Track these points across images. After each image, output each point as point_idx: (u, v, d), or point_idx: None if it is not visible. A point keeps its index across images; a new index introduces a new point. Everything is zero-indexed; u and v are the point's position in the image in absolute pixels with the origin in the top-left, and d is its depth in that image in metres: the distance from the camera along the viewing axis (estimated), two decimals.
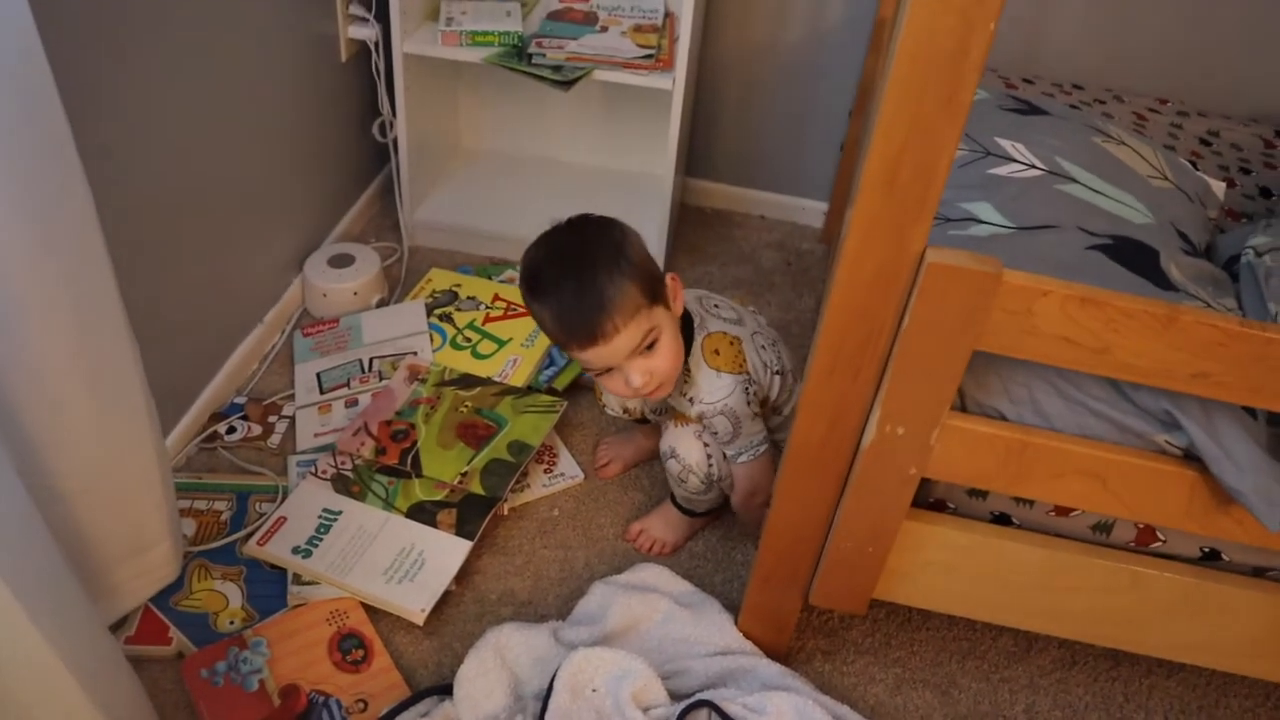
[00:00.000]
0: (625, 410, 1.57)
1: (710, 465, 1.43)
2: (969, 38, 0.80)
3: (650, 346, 1.30)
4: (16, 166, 0.92)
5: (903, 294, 0.96)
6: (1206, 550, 1.19)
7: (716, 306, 1.44)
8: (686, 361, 1.37)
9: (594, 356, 1.28)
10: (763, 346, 1.42)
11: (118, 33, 1.33)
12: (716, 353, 1.37)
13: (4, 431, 0.95)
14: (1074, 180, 1.38)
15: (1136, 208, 1.35)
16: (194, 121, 1.54)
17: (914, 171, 0.87)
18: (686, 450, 1.43)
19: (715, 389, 1.36)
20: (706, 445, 1.43)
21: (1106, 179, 1.39)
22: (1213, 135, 1.89)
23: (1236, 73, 2.04)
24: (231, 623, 1.39)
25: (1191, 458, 1.07)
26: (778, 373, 1.43)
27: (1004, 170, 1.40)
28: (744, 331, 1.41)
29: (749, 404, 1.37)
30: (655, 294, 1.29)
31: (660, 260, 2.07)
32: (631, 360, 1.29)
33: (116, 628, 1.35)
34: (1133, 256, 1.22)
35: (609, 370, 1.31)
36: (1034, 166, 1.40)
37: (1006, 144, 1.45)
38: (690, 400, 1.38)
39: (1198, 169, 1.65)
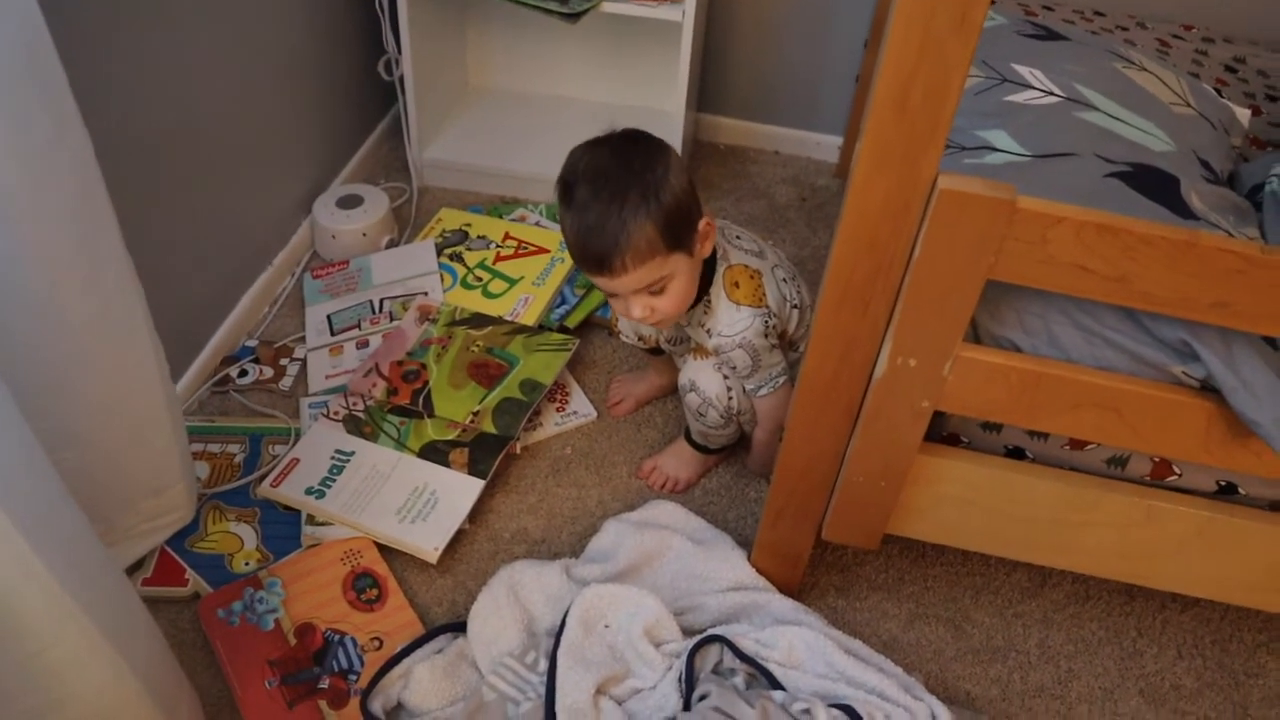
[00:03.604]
0: (640, 338, 1.55)
1: (730, 398, 1.42)
2: None
3: (659, 289, 1.28)
4: (10, 109, 0.91)
5: (914, 223, 0.94)
6: (1223, 484, 1.17)
7: (738, 238, 1.42)
8: (708, 292, 1.36)
9: (600, 283, 1.28)
10: (784, 280, 1.41)
11: None
12: (736, 285, 1.35)
13: (10, 376, 0.95)
14: (1093, 107, 1.34)
15: (1157, 135, 1.31)
16: (196, 63, 1.52)
17: (925, 95, 0.84)
18: (707, 383, 1.42)
19: (734, 321, 1.34)
20: (727, 378, 1.41)
21: (1127, 106, 1.36)
22: (1239, 62, 1.84)
23: None
24: (247, 564, 1.40)
25: (1209, 389, 1.05)
26: (796, 306, 1.42)
27: (1021, 97, 1.36)
28: (764, 265, 1.39)
29: (767, 337, 1.36)
30: (679, 239, 1.25)
31: None
32: (637, 294, 1.28)
33: (133, 570, 1.37)
34: (1153, 184, 1.19)
35: (614, 294, 1.31)
36: (1052, 93, 1.36)
37: (1024, 70, 1.41)
38: (708, 332, 1.37)
39: (1223, 96, 1.60)
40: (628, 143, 1.27)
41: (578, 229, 1.24)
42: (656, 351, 1.61)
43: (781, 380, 1.41)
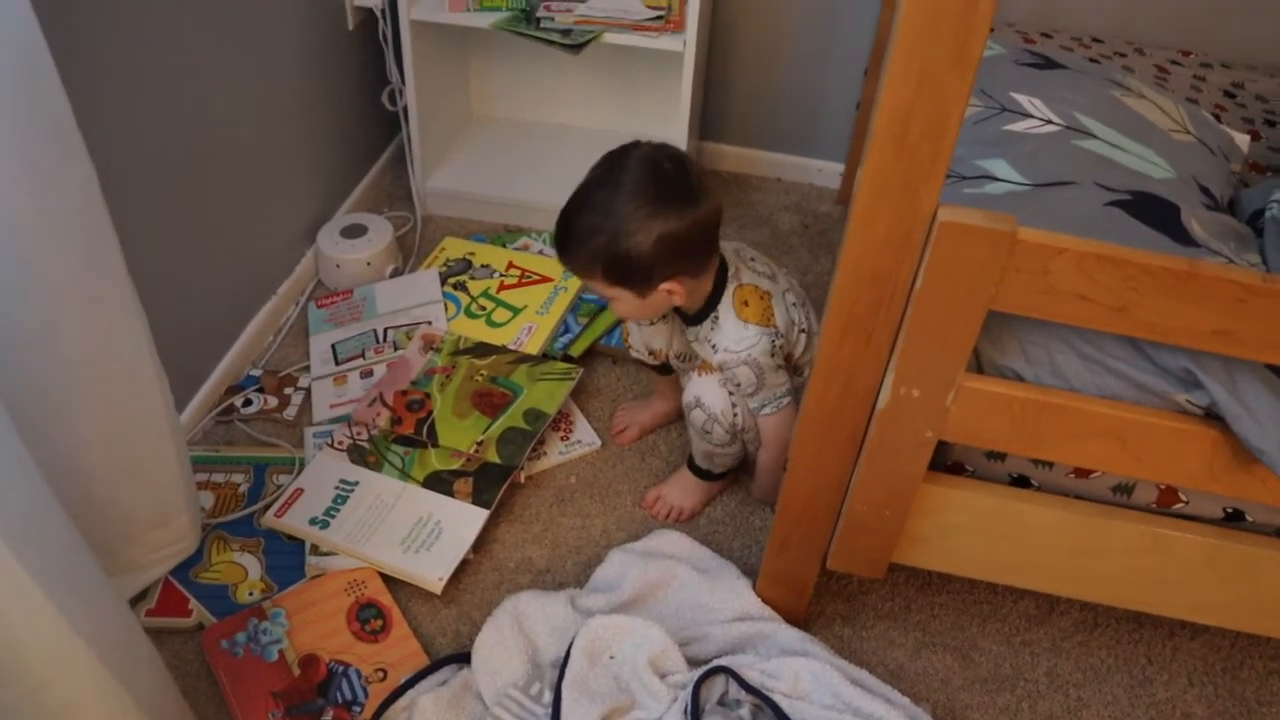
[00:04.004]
0: (651, 352, 1.56)
1: (735, 414, 1.42)
2: None
3: (606, 298, 1.36)
4: (15, 141, 0.91)
5: (915, 254, 0.94)
6: (1230, 511, 1.17)
7: (753, 260, 1.43)
8: (716, 308, 1.37)
9: None
10: (793, 304, 1.42)
11: (117, 2, 1.31)
12: (746, 304, 1.36)
13: (12, 406, 0.95)
14: (1092, 135, 1.35)
15: (1157, 162, 1.32)
16: (201, 93, 1.53)
17: (924, 128, 0.85)
18: (711, 398, 1.42)
19: (741, 339, 1.35)
20: (731, 393, 1.42)
21: (1126, 133, 1.36)
22: (1237, 87, 1.85)
23: (1262, 23, 1.99)
24: (251, 594, 1.40)
25: (1213, 417, 1.05)
26: (804, 331, 1.42)
27: (1020, 126, 1.37)
28: (776, 288, 1.40)
29: (773, 356, 1.37)
30: (623, 280, 1.29)
31: None
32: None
33: (137, 601, 1.37)
34: (1153, 212, 1.19)
35: None
36: (1051, 122, 1.37)
37: (1023, 99, 1.41)
38: (714, 347, 1.37)
39: (1221, 122, 1.61)
40: (669, 178, 1.26)
41: (566, 204, 1.31)
42: (665, 370, 1.61)
43: (785, 401, 1.41)
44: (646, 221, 1.24)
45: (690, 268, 1.31)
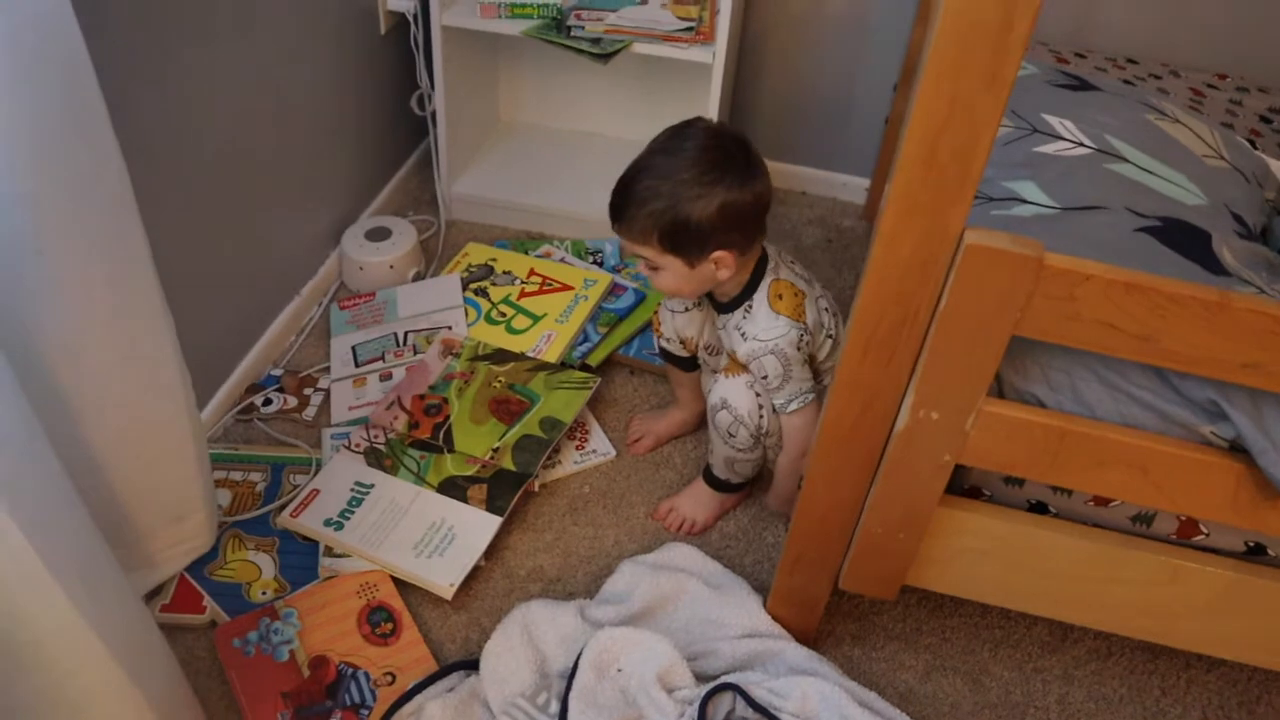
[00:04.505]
0: (682, 341, 1.56)
1: (761, 417, 1.42)
2: (1013, 11, 0.77)
3: (652, 267, 1.35)
4: (51, 142, 0.92)
5: (940, 276, 0.93)
6: (1251, 545, 1.15)
7: (793, 263, 1.44)
8: (751, 297, 1.38)
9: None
10: (825, 309, 1.43)
11: (153, 5, 1.33)
12: (780, 297, 1.37)
13: (39, 403, 0.96)
14: (1124, 159, 1.33)
15: (1189, 188, 1.30)
16: (232, 94, 1.54)
17: (953, 151, 0.84)
18: (738, 400, 1.41)
19: (771, 327, 1.35)
20: (758, 395, 1.41)
21: (1158, 158, 1.35)
22: (1274, 113, 1.82)
23: None
24: (264, 593, 1.40)
25: (1238, 449, 1.03)
26: (831, 337, 1.43)
27: (1051, 148, 1.36)
28: (811, 291, 1.41)
29: (800, 349, 1.36)
30: (677, 248, 1.31)
31: None
32: (635, 255, 1.37)
33: (152, 596, 1.37)
34: (1183, 239, 1.18)
35: None
36: (1082, 144, 1.36)
37: (1054, 121, 1.40)
38: (743, 335, 1.38)
39: (1257, 148, 1.59)
40: (730, 151, 1.29)
41: (627, 169, 1.32)
42: (690, 365, 1.61)
43: (810, 397, 1.40)
44: (710, 188, 1.26)
45: (741, 242, 1.32)
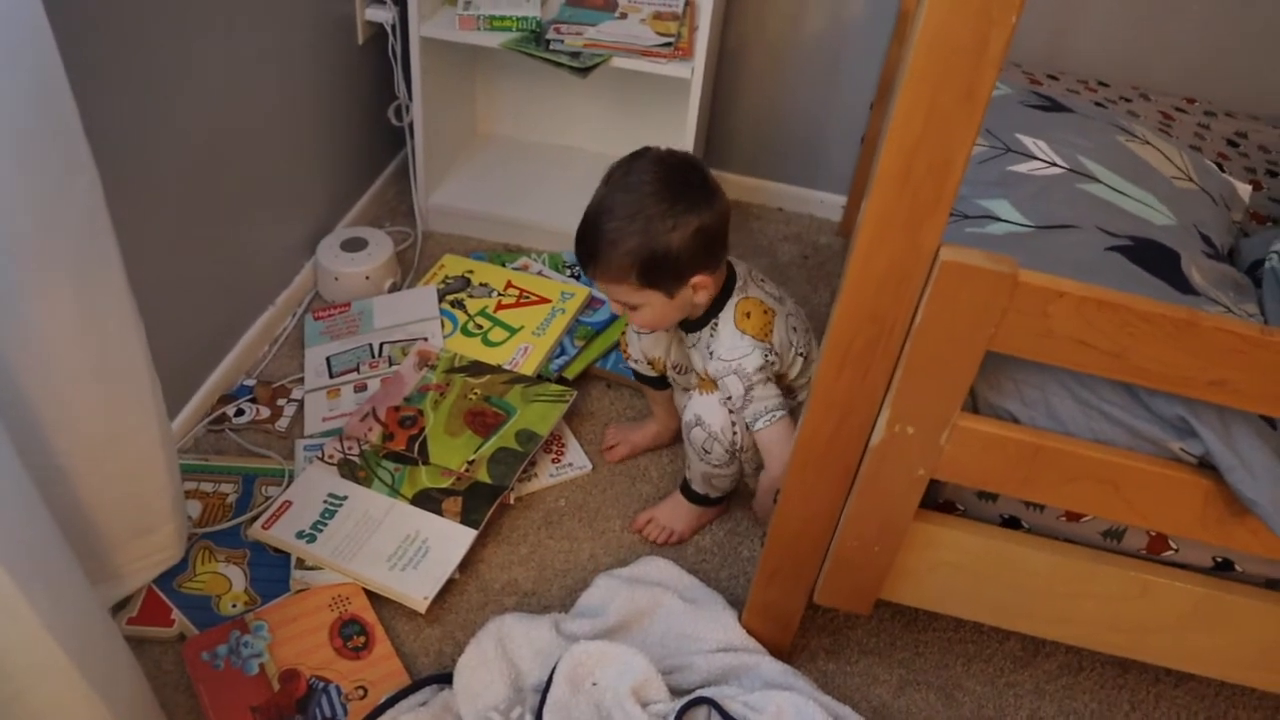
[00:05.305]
0: (649, 361, 1.56)
1: (735, 433, 1.42)
2: (989, 32, 0.78)
3: (631, 307, 1.36)
4: (22, 148, 0.91)
5: (915, 292, 0.94)
6: (1219, 560, 1.17)
7: (763, 280, 1.45)
8: (717, 315, 1.38)
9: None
10: (794, 328, 1.43)
11: (129, 11, 1.32)
12: (747, 315, 1.37)
13: (5, 411, 0.95)
14: (1096, 179, 1.35)
15: (1159, 209, 1.32)
16: (208, 102, 1.53)
17: (929, 167, 0.85)
18: (711, 417, 1.42)
19: (734, 347, 1.36)
20: (731, 412, 1.41)
21: (1129, 179, 1.37)
22: (1240, 137, 1.86)
23: (1266, 73, 2.00)
24: (234, 606, 1.38)
25: (1207, 466, 1.05)
26: (802, 355, 1.43)
27: (1024, 168, 1.37)
28: (780, 309, 1.42)
29: (763, 370, 1.37)
30: (654, 281, 1.30)
31: None
32: (612, 298, 1.37)
33: (120, 608, 1.35)
34: (1153, 258, 1.20)
35: None
36: (1055, 164, 1.37)
37: (1028, 141, 1.42)
38: (710, 352, 1.38)
39: (1224, 171, 1.62)
40: (686, 176, 1.30)
41: (587, 212, 1.32)
42: (661, 384, 1.61)
43: (780, 414, 1.40)
44: (682, 217, 1.27)
45: (713, 263, 1.33)
